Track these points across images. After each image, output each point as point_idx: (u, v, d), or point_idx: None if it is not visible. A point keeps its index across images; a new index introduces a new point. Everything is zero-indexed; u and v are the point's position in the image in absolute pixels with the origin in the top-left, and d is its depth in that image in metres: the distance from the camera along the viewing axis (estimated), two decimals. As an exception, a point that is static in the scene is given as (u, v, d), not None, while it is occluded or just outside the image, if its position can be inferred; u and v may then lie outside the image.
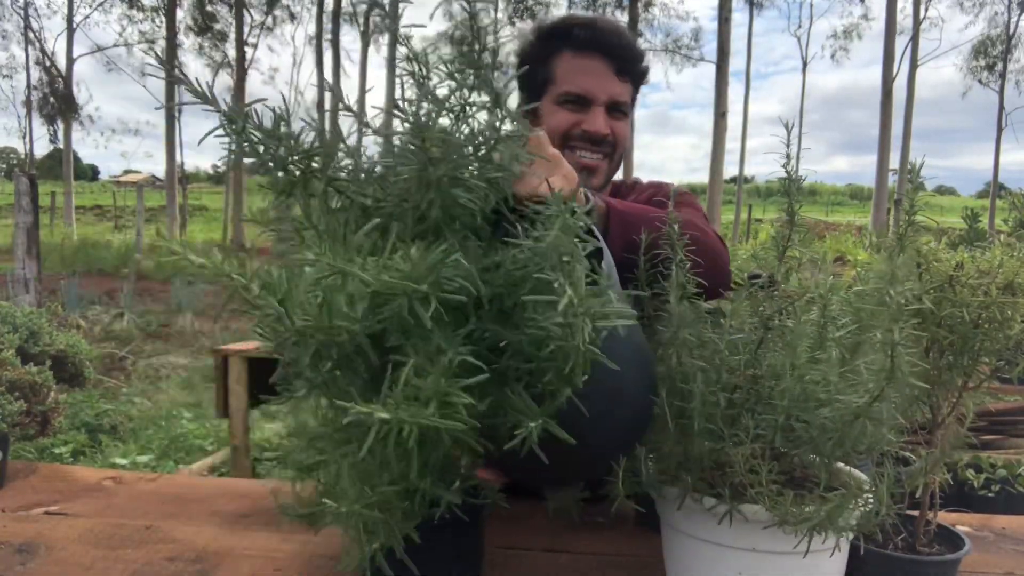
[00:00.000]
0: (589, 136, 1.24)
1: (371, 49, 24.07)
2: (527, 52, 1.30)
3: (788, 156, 0.76)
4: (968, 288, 0.80)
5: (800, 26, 29.98)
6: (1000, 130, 24.69)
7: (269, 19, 23.97)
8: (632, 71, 1.28)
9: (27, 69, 22.98)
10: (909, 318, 0.70)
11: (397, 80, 0.72)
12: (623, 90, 1.27)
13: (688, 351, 0.77)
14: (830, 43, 26.06)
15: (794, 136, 0.77)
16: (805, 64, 26.86)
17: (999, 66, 24.54)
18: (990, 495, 2.60)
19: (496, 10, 24.01)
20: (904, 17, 21.22)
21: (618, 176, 1.40)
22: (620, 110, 1.28)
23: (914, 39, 21.58)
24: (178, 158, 23.02)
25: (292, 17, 24.59)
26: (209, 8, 23.14)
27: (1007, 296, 0.79)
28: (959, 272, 0.81)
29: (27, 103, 23.38)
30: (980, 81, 25.30)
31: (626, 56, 1.26)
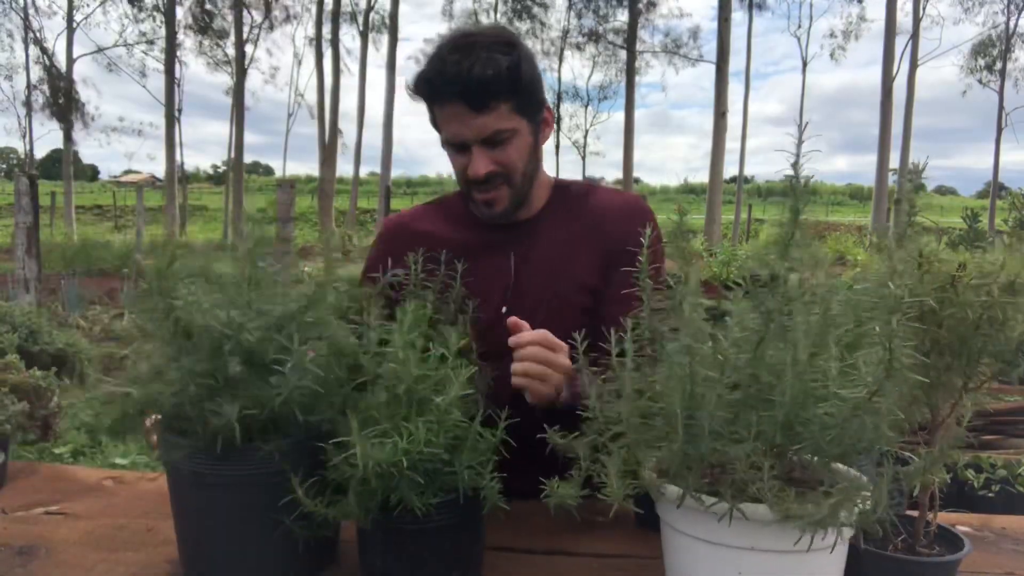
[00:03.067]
0: (473, 180, 1.28)
1: (370, 48, 24.06)
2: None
3: (797, 156, 0.76)
4: (970, 289, 0.80)
5: (800, 26, 29.97)
6: (1000, 130, 24.68)
7: (269, 19, 23.96)
8: (492, 95, 1.21)
9: (27, 69, 22.99)
10: (907, 311, 0.70)
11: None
12: (491, 120, 1.23)
13: (695, 358, 0.77)
14: (829, 42, 26.05)
15: (797, 135, 0.77)
16: (805, 64, 26.85)
17: (999, 65, 24.54)
18: (990, 495, 2.59)
19: (495, 11, 24.02)
20: (904, 16, 21.22)
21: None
22: (498, 139, 1.25)
23: (914, 38, 21.57)
24: (178, 158, 23.03)
25: (289, 18, 24.58)
26: (208, 7, 23.13)
27: (1008, 297, 0.79)
28: (961, 272, 0.81)
29: (27, 103, 23.38)
30: (980, 81, 25.30)
31: (474, 91, 1.20)
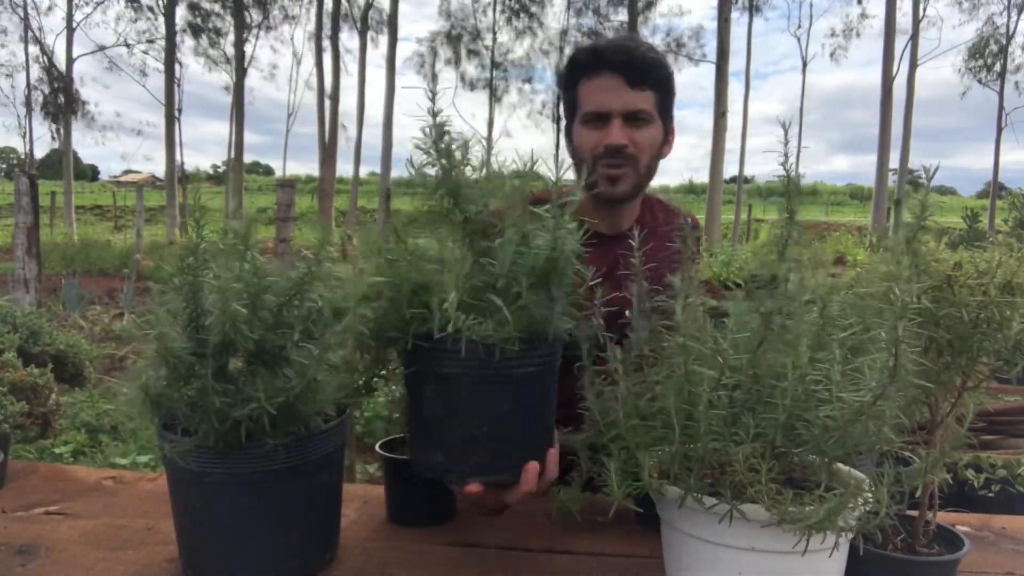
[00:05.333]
0: (608, 149, 1.34)
1: (369, 47, 24.05)
2: (561, 82, 1.44)
3: (787, 155, 0.76)
4: (967, 288, 0.80)
5: (800, 26, 30.01)
6: (1000, 130, 24.68)
7: (267, 20, 23.96)
8: (647, 78, 1.34)
9: (27, 68, 22.99)
10: (913, 316, 0.70)
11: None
12: (639, 98, 1.34)
13: (694, 358, 0.78)
14: (830, 42, 26.06)
15: (793, 135, 0.78)
16: (805, 64, 26.86)
17: (998, 66, 24.53)
18: (990, 495, 2.60)
19: (494, 11, 24.02)
20: (903, 15, 21.22)
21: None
22: (640, 118, 1.35)
23: (914, 38, 21.57)
24: (178, 158, 23.03)
25: (287, 18, 24.57)
26: (207, 7, 23.14)
27: (1006, 296, 0.79)
28: (957, 272, 0.81)
29: (27, 103, 23.38)
30: (980, 81, 25.29)
31: (635, 66, 1.33)
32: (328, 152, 22.12)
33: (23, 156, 27.65)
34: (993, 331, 0.79)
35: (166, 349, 0.86)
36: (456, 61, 25.10)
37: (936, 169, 0.79)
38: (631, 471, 0.83)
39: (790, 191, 0.77)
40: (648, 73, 1.34)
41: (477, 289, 0.85)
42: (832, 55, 25.81)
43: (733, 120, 21.49)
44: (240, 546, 0.96)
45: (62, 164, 23.32)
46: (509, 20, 24.21)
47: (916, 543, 0.90)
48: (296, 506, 0.96)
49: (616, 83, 1.34)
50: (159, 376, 0.90)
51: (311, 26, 24.36)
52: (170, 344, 0.86)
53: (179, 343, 0.87)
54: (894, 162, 20.36)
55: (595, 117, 1.36)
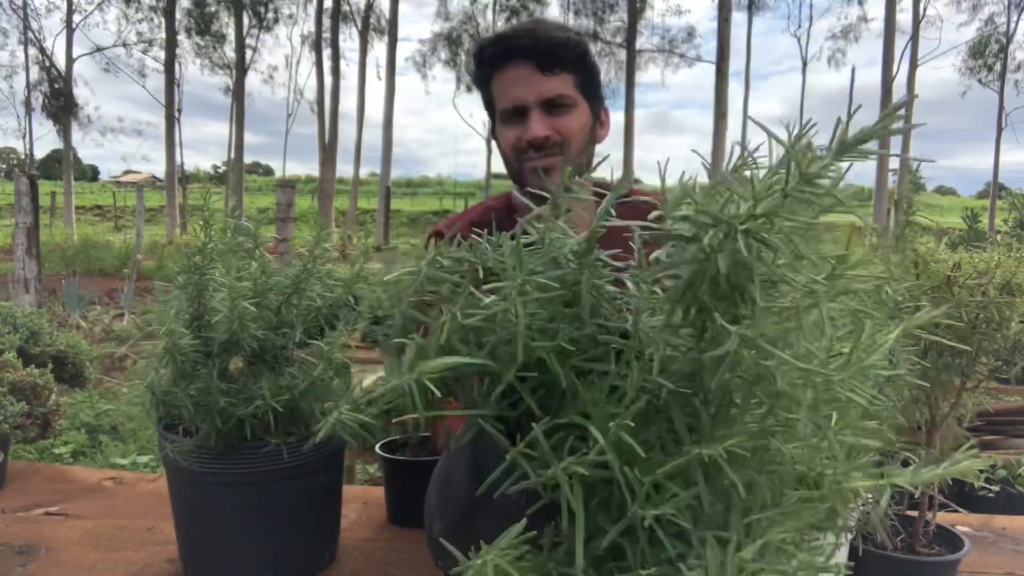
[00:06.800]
0: (531, 144, 1.23)
1: (369, 48, 24.06)
2: (474, 81, 1.33)
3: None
4: (966, 289, 0.80)
5: (800, 26, 30.03)
6: (1000, 130, 24.68)
7: (265, 20, 23.97)
8: (560, 60, 1.22)
9: (27, 69, 22.99)
10: (907, 316, 0.70)
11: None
12: (555, 83, 1.23)
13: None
14: (829, 45, 26.09)
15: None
16: (805, 64, 26.87)
17: (998, 66, 24.55)
18: (990, 495, 2.59)
19: (492, 11, 24.03)
20: (902, 12, 21.23)
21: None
22: (560, 103, 1.24)
23: (914, 39, 21.58)
24: (178, 158, 23.04)
25: (277, 20, 24.56)
26: (207, 10, 23.16)
27: (1005, 296, 0.79)
28: (956, 273, 0.81)
29: (27, 103, 23.38)
30: (980, 81, 25.30)
31: (544, 49, 1.21)
32: (328, 152, 22.12)
33: (23, 156, 27.67)
34: (992, 331, 0.79)
35: (175, 347, 0.86)
36: (455, 62, 25.12)
37: (920, 165, 0.79)
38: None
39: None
40: (559, 54, 1.22)
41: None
42: (831, 61, 25.84)
43: (733, 120, 21.50)
44: (240, 546, 0.96)
45: (62, 164, 23.35)
46: (508, 20, 24.20)
47: (916, 543, 0.90)
48: (296, 506, 0.96)
49: (526, 72, 1.22)
50: (163, 375, 0.91)
51: (311, 26, 24.38)
52: (179, 342, 0.86)
53: (187, 341, 0.87)
54: (894, 162, 20.35)
55: (513, 113, 1.25)
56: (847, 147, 0.39)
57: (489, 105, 1.31)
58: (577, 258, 0.50)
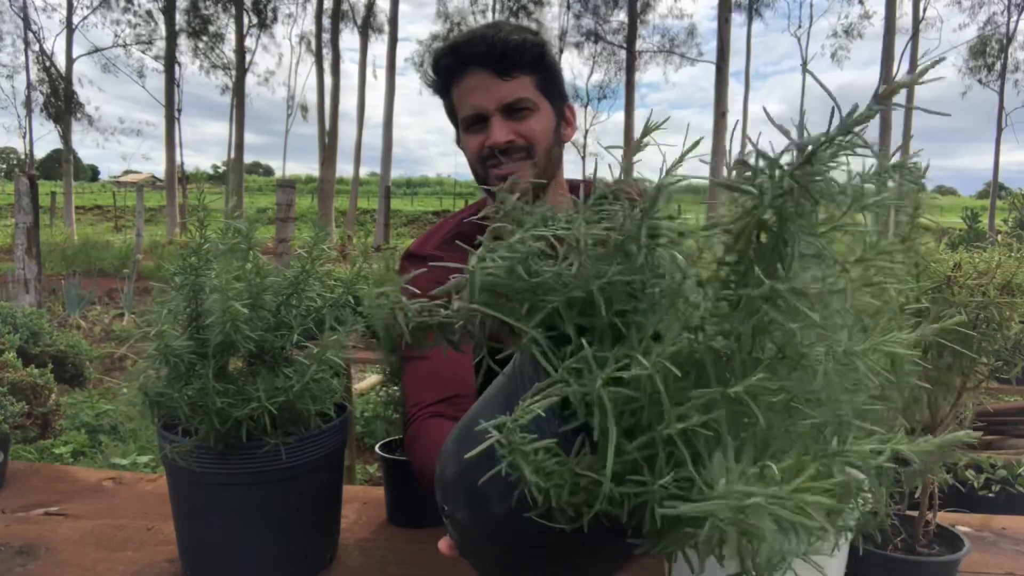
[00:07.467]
0: (494, 150, 1.23)
1: (369, 48, 24.06)
2: (434, 91, 1.32)
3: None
4: (966, 289, 0.80)
5: (800, 26, 30.00)
6: (1000, 130, 24.68)
7: (264, 20, 23.97)
8: (517, 64, 1.21)
9: (27, 69, 23.00)
10: (910, 317, 0.70)
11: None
12: (514, 87, 1.22)
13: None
14: (831, 42, 26.12)
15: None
16: (805, 64, 26.87)
17: (998, 66, 24.56)
18: (990, 495, 2.59)
19: (492, 11, 24.03)
20: (901, 16, 21.24)
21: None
22: (521, 107, 1.23)
23: (913, 39, 21.59)
24: (178, 158, 23.04)
25: (276, 19, 24.57)
26: (206, 12, 23.17)
27: (1005, 296, 0.79)
28: (957, 273, 0.81)
29: (27, 103, 23.39)
30: (980, 81, 25.31)
31: (499, 54, 1.21)
32: (328, 152, 22.13)
33: (23, 156, 27.65)
34: (992, 332, 0.79)
35: (167, 348, 0.86)
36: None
37: (928, 166, 0.79)
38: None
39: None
40: (516, 58, 1.21)
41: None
42: (834, 56, 25.85)
43: (733, 120, 21.49)
44: (240, 546, 0.96)
45: (62, 164, 23.34)
46: (508, 20, 24.21)
47: (916, 543, 0.90)
48: (296, 506, 0.96)
49: (484, 78, 1.22)
50: (159, 376, 0.90)
51: (310, 25, 24.37)
52: (171, 343, 0.86)
53: (180, 342, 0.87)
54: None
55: (474, 120, 1.24)
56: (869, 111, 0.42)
57: (451, 113, 1.30)
58: (642, 215, 0.51)
